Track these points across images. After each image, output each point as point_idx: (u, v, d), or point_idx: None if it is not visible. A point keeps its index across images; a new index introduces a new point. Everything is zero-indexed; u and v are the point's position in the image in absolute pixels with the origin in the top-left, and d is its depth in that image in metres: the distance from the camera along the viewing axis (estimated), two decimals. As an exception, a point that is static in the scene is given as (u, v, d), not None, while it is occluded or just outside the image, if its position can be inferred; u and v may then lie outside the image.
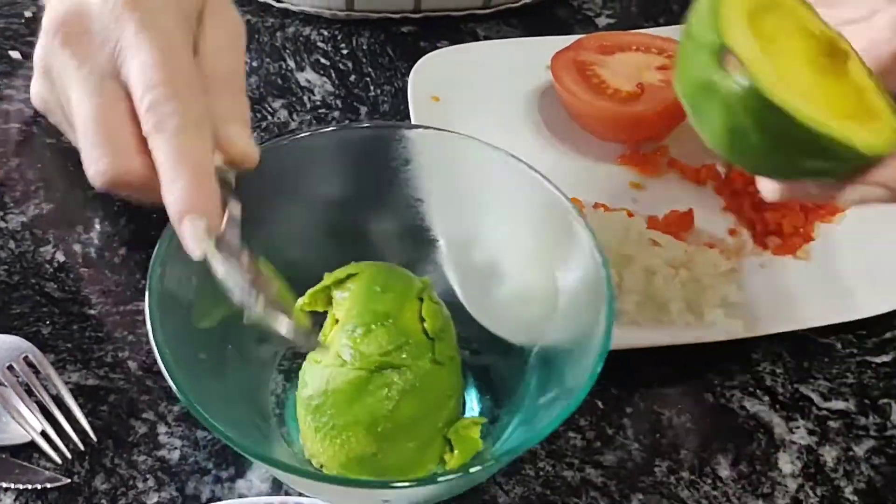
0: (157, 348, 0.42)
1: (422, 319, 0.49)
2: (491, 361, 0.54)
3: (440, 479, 0.43)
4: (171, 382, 0.41)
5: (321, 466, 0.48)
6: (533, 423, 0.47)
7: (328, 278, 0.51)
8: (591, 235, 0.48)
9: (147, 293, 0.43)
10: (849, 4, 0.50)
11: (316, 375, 0.48)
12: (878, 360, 0.58)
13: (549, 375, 0.49)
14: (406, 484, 0.43)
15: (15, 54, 0.76)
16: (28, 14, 0.80)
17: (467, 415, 0.52)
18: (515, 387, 0.52)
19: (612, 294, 0.45)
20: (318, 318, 0.51)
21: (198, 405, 0.41)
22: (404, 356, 0.47)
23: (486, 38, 0.79)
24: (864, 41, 0.47)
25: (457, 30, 0.79)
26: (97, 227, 0.63)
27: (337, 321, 0.50)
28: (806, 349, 0.59)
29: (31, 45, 0.76)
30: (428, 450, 0.48)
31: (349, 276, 0.51)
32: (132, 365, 0.56)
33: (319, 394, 0.47)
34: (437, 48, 0.75)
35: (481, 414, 0.52)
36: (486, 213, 0.53)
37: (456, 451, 0.48)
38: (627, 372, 0.57)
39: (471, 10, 0.80)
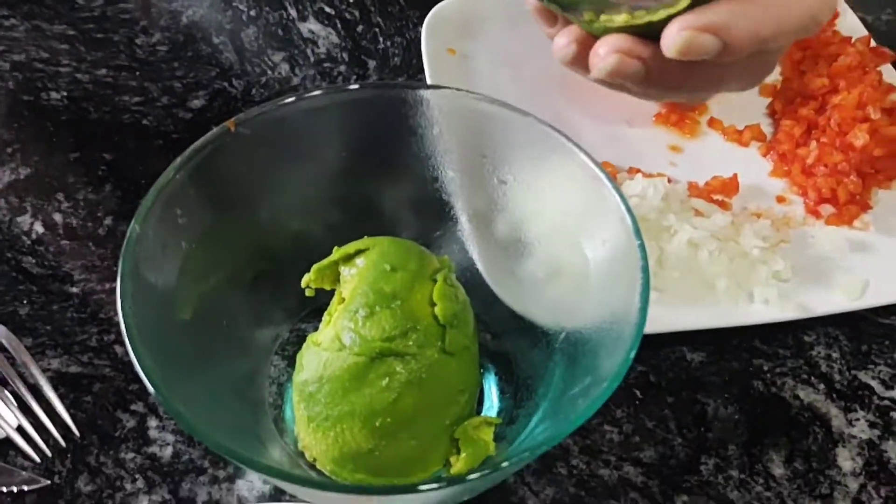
0: (132, 345, 0.36)
1: (432, 303, 0.43)
2: (514, 348, 0.49)
3: (466, 478, 0.37)
4: (148, 384, 0.36)
5: (314, 460, 0.43)
6: (559, 417, 0.42)
7: (337, 253, 0.46)
8: (623, 203, 0.43)
9: (119, 281, 0.38)
10: None
11: (313, 359, 0.43)
12: (946, 343, 0.53)
13: (578, 362, 0.44)
14: (433, 486, 0.37)
15: (-12, 3, 0.69)
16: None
17: (484, 413, 0.47)
18: (539, 378, 0.47)
19: (647, 267, 0.41)
20: (326, 297, 0.46)
21: (179, 407, 0.36)
22: (410, 343, 0.42)
23: (506, -16, 0.72)
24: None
25: (473, -25, 0.73)
26: (80, 194, 0.58)
27: (343, 300, 0.44)
28: (865, 331, 0.54)
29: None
30: (431, 450, 0.43)
31: (359, 252, 0.46)
32: (119, 350, 0.51)
33: (315, 380, 0.42)
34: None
35: (500, 413, 0.47)
36: (511, 181, 0.48)
37: (463, 454, 0.43)
38: (667, 357, 0.52)
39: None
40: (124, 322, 0.37)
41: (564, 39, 0.41)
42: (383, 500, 0.38)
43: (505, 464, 0.36)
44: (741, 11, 0.37)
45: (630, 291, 0.40)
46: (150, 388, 0.35)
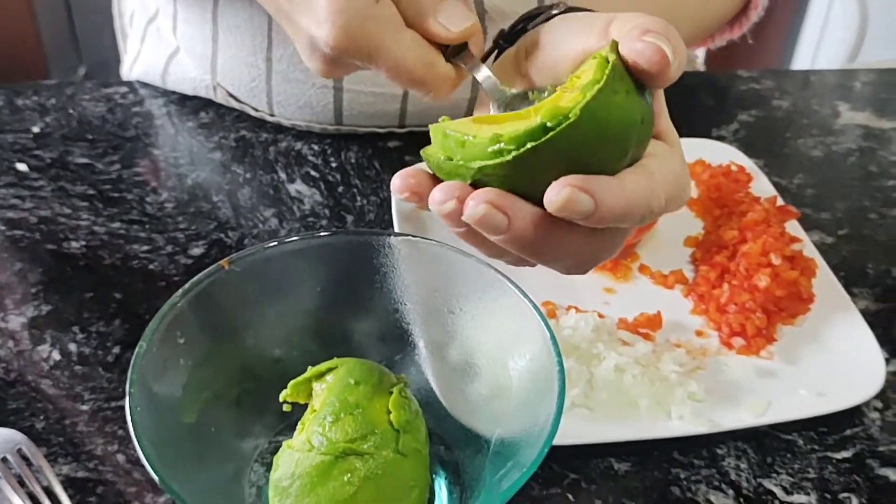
0: (138, 442, 0.44)
1: (388, 411, 0.51)
2: (461, 455, 0.56)
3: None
4: (153, 474, 0.43)
5: None
6: (488, 497, 0.50)
7: (310, 371, 0.54)
8: (547, 328, 0.51)
9: (128, 385, 0.46)
10: None
11: (287, 459, 0.50)
12: (839, 455, 0.60)
13: (506, 456, 0.51)
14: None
15: (22, 166, 0.80)
16: (35, 129, 0.85)
17: (434, 508, 0.54)
18: (480, 478, 0.54)
19: (563, 374, 0.48)
20: (300, 413, 0.53)
21: (181, 493, 0.43)
22: (368, 445, 0.50)
23: (468, 152, 0.83)
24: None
25: (440, 145, 0.84)
26: (93, 327, 0.66)
27: (314, 411, 0.52)
28: (769, 445, 0.61)
29: (38, 157, 0.81)
30: None
31: (329, 370, 0.54)
32: (120, 458, 0.58)
33: (287, 476, 0.50)
34: (420, 161, 0.80)
35: (447, 508, 0.54)
36: (460, 314, 0.57)
37: None
38: (597, 466, 0.59)
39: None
40: (131, 419, 0.45)
41: (440, 195, 0.45)
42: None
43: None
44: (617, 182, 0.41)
45: (550, 396, 0.48)
46: (147, 465, 0.43)
